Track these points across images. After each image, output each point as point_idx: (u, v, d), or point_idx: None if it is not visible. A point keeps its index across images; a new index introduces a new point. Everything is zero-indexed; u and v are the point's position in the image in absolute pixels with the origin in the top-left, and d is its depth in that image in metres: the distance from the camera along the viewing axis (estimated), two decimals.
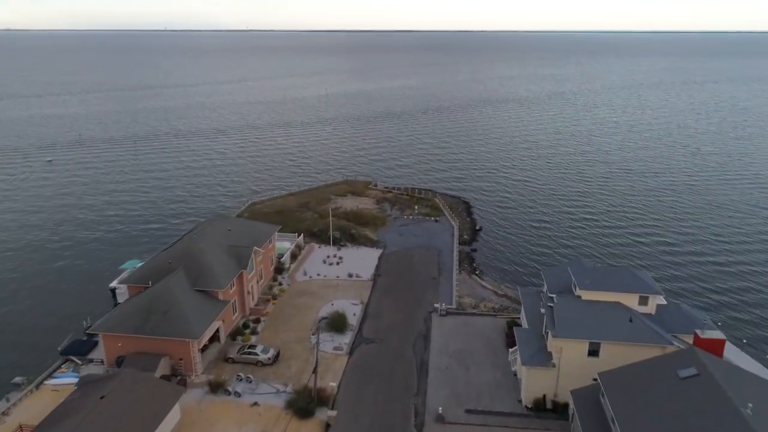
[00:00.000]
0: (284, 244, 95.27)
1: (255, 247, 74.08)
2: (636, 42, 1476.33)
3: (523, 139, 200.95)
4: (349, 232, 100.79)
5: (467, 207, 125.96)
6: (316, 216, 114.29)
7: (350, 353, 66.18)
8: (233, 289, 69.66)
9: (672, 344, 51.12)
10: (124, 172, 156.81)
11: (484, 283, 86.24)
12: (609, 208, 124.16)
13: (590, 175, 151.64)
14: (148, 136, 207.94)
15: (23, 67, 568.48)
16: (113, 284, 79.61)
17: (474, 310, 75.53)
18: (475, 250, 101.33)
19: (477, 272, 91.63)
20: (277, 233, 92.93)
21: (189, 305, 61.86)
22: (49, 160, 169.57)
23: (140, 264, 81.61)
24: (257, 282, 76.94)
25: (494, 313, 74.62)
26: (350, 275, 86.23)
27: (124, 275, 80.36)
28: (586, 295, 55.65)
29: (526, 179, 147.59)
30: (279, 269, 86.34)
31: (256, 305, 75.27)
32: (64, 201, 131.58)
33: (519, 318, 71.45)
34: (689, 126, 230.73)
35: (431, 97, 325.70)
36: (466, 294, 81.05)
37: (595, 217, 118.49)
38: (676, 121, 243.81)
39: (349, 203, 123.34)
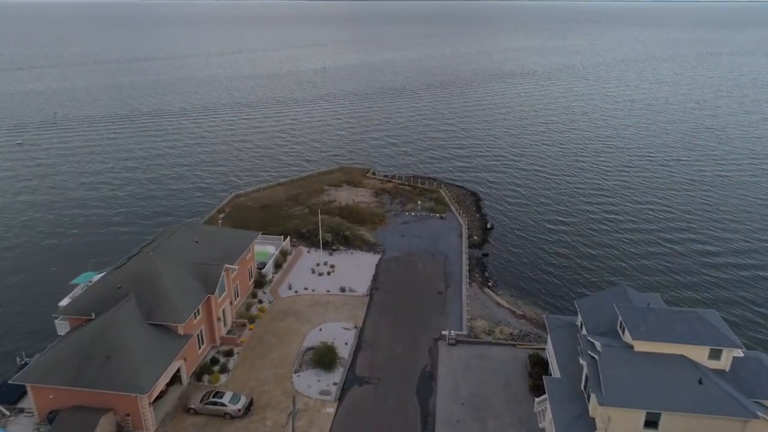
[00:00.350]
0: (267, 250, 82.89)
1: (227, 265, 61.63)
2: (643, 11, 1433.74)
3: (533, 120, 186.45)
4: (342, 233, 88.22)
5: (475, 200, 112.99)
6: (307, 211, 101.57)
7: (340, 398, 54.42)
8: (198, 318, 57.56)
9: (757, 416, 39.18)
10: (96, 159, 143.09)
11: (498, 299, 74.04)
12: (632, 205, 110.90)
13: (608, 164, 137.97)
14: (129, 115, 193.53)
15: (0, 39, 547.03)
16: (64, 302, 67.49)
17: (489, 338, 63.55)
18: (486, 255, 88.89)
19: (490, 284, 79.40)
20: (258, 238, 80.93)
21: (139, 347, 49.73)
22: (19, 143, 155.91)
23: (97, 277, 69.56)
24: (231, 304, 64.79)
25: (513, 342, 62.67)
26: (343, 289, 74.02)
27: (75, 292, 68.31)
28: (641, 346, 43.39)
29: (539, 168, 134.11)
30: (259, 282, 74.16)
31: (229, 332, 63.27)
32: (22, 195, 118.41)
33: (544, 350, 59.58)
34: (709, 104, 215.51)
35: (435, 71, 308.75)
36: (479, 315, 68.95)
37: (617, 216, 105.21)
38: (696, 98, 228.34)
39: (344, 196, 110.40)
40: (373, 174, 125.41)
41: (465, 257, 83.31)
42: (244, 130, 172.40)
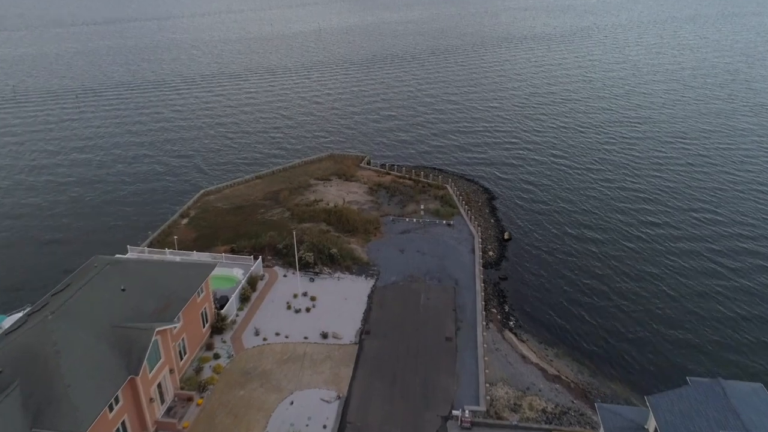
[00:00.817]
0: (233, 275, 66.49)
1: (161, 327, 45.14)
2: None
3: (548, 93, 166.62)
4: (327, 251, 71.54)
5: (488, 198, 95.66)
6: (287, 215, 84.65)
7: None
8: (118, 407, 41.58)
9: None
10: (46, 148, 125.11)
11: (524, 350, 57.99)
12: (676, 211, 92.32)
13: (639, 153, 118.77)
14: (98, 88, 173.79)
15: None
16: None
17: (515, 419, 47.78)
18: (505, 279, 72.38)
19: (512, 323, 63.25)
20: (222, 258, 64.44)
21: None
22: None
23: (7, 321, 53.47)
24: (172, 372, 48.69)
25: (548, 428, 46.94)
26: (325, 335, 57.93)
27: None
28: None
29: (559, 157, 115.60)
30: (218, 327, 58.00)
31: (168, 411, 47.52)
32: None
33: None
34: (742, 73, 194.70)
35: (438, 34, 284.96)
36: (500, 377, 53.02)
37: (658, 226, 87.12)
38: (725, 65, 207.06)
39: (333, 193, 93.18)
40: (368, 163, 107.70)
41: (479, 283, 66.93)
42: (222, 108, 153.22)
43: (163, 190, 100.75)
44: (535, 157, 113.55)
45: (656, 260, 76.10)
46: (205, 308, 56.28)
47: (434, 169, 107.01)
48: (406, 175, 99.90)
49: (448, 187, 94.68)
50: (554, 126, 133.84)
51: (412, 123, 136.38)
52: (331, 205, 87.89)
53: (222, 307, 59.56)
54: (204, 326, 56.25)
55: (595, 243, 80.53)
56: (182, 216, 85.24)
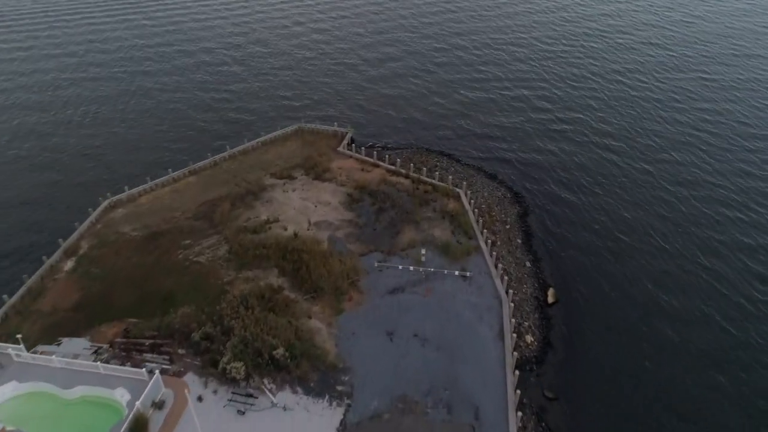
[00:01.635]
0: (114, 400, 40.53)
1: None
2: None
3: (594, 46, 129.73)
4: (269, 353, 44.37)
5: (520, 213, 65.60)
6: (223, 252, 56.88)
7: None
8: None
9: None
10: None
11: None
12: None
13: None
14: None
15: None
16: None
17: None
18: (555, 399, 45.21)
19: None
20: (95, 371, 38.48)
21: None
22: None
23: None
24: None
25: None
26: None
27: None
28: None
29: (614, 147, 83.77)
30: None
31: None
32: None
33: None
34: None
35: None
36: None
37: None
38: None
39: (295, 203, 64.35)
40: (350, 145, 77.38)
41: (513, 414, 40.94)
42: (148, 52, 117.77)
43: (44, 207, 68.76)
44: (582, 140, 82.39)
45: None
46: None
47: (441, 154, 76.60)
48: (402, 170, 70.23)
49: (462, 195, 65.40)
50: (602, 91, 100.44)
51: (413, 71, 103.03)
52: (290, 231, 59.65)
53: None
54: None
55: (734, 328, 52.89)
56: (67, 254, 57.32)
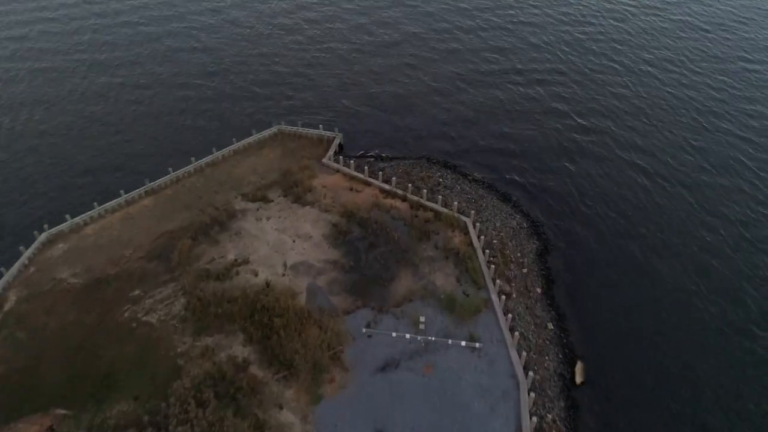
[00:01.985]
0: None
1: None
2: None
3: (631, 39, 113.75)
4: None
5: (539, 251, 53.99)
6: (179, 308, 46.63)
7: None
8: None
9: None
10: None
11: None
12: None
13: None
14: None
15: None
16: None
17: None
18: None
19: None
20: None
21: None
22: None
23: None
24: None
25: None
26: None
27: None
28: None
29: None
30: None
31: None
32: None
33: None
34: None
35: None
36: None
37: None
38: None
39: (269, 235, 53.59)
40: (338, 153, 65.74)
41: None
42: (97, 36, 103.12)
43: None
44: (615, 156, 70.36)
45: None
46: None
47: (445, 167, 64.84)
48: (398, 189, 59.01)
49: (469, 225, 54.45)
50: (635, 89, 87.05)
51: (418, 60, 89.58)
52: (261, 278, 49.21)
53: None
54: None
55: None
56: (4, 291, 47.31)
